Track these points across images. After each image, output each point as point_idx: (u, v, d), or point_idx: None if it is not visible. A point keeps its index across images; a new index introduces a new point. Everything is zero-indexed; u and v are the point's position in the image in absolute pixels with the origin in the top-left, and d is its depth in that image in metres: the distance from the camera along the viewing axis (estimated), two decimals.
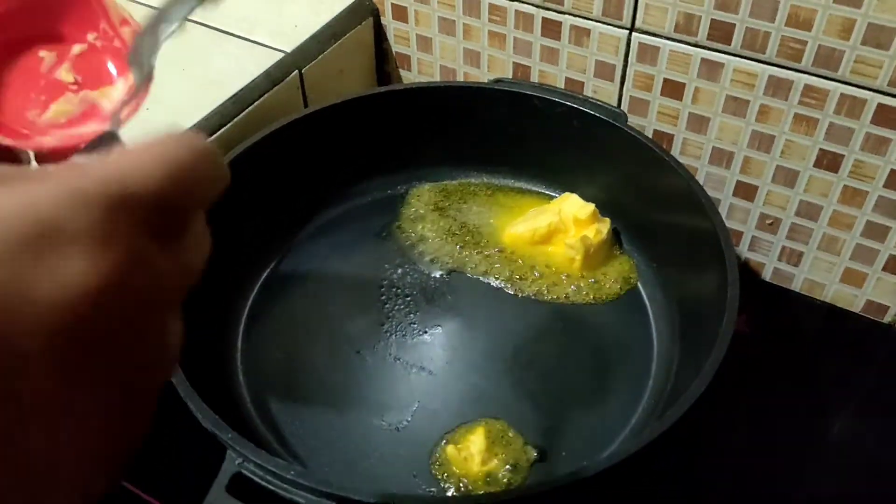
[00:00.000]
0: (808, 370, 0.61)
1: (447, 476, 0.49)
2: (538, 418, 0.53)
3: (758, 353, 0.62)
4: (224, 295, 0.59)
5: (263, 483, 0.41)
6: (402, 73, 0.76)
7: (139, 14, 0.41)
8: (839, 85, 0.55)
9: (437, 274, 0.62)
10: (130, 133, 0.27)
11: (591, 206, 0.61)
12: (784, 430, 0.58)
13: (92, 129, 0.42)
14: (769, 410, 0.59)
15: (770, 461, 0.56)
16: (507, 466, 0.49)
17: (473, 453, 0.49)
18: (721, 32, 0.57)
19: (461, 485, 0.48)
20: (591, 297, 0.60)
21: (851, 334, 0.65)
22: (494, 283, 0.61)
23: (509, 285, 0.61)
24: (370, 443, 0.51)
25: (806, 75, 0.56)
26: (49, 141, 0.41)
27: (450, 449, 0.50)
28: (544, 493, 0.39)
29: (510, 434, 0.51)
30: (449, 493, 0.48)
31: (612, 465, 0.41)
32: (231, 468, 0.41)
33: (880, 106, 0.54)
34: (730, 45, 0.57)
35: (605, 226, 0.61)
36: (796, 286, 0.67)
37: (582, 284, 0.60)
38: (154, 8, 0.37)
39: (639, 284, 0.61)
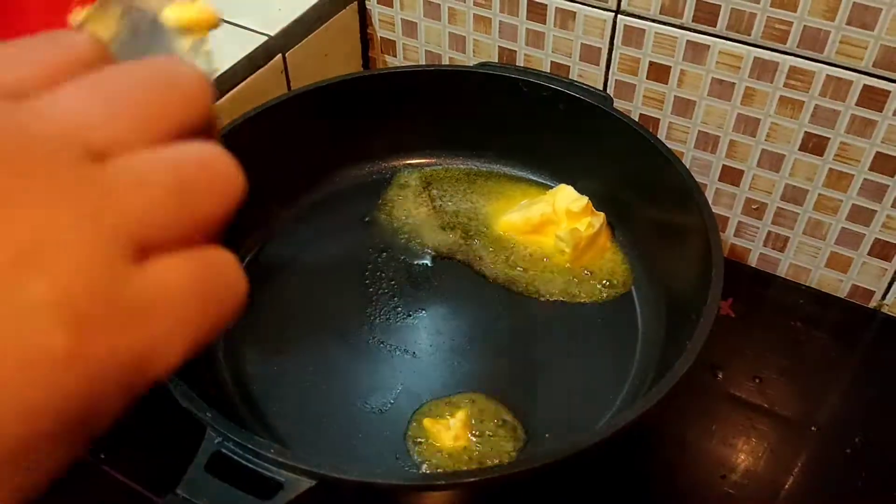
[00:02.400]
0: (793, 355, 0.61)
1: (428, 457, 0.49)
2: (522, 400, 0.52)
3: (743, 338, 0.62)
4: None
5: (243, 462, 0.40)
6: (388, 58, 0.76)
7: None
8: (825, 66, 0.55)
9: (423, 259, 0.62)
10: None
11: (584, 199, 0.61)
12: (769, 416, 0.57)
13: None
14: (755, 395, 0.59)
15: (756, 446, 0.56)
16: (491, 445, 0.49)
17: (451, 425, 0.48)
18: (707, 14, 0.57)
19: (441, 466, 0.48)
20: (579, 287, 0.59)
21: (837, 319, 0.64)
22: (480, 269, 0.61)
23: (496, 272, 0.60)
24: (352, 425, 0.51)
25: (791, 57, 0.56)
26: None
27: (427, 421, 0.49)
28: (528, 470, 0.39)
29: (493, 414, 0.51)
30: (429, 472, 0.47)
31: (592, 444, 0.40)
32: (210, 447, 0.41)
33: (866, 87, 0.54)
34: (715, 26, 0.57)
35: (598, 220, 0.61)
36: (782, 271, 0.67)
37: (570, 275, 0.60)
38: None
39: (628, 276, 0.60)
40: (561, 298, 0.58)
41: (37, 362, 0.15)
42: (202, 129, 0.20)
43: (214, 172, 0.20)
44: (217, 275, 0.19)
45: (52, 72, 0.19)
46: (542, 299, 0.59)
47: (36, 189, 0.16)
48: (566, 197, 0.61)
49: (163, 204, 0.18)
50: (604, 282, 0.59)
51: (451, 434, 0.49)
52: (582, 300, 0.58)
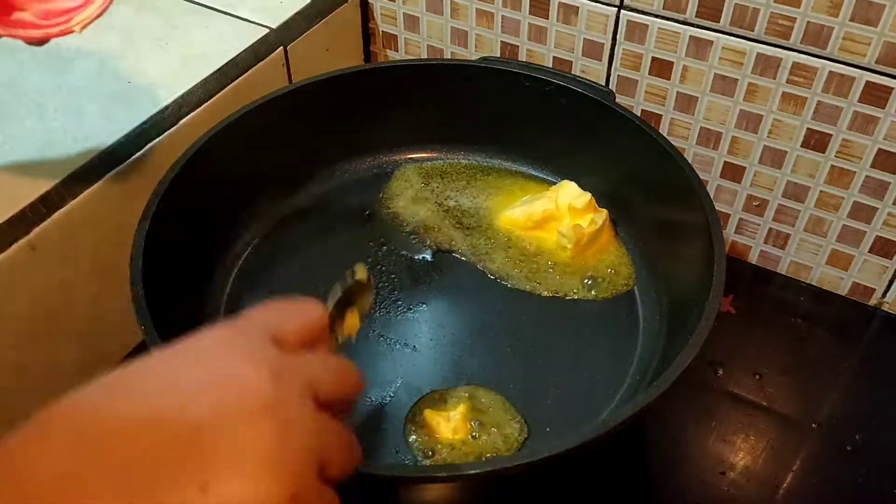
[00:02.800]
0: (794, 352, 0.61)
1: (428, 450, 0.48)
2: (523, 394, 0.52)
3: (744, 335, 0.62)
4: (206, 271, 0.58)
5: None
6: (389, 53, 0.76)
7: None
8: (827, 62, 0.55)
9: (424, 253, 0.62)
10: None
11: (587, 196, 0.60)
12: (769, 413, 0.57)
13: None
14: (755, 392, 0.58)
15: (755, 442, 0.55)
16: (492, 439, 0.49)
17: (451, 418, 0.48)
18: (710, 9, 0.57)
19: (441, 459, 0.48)
20: (581, 283, 0.59)
21: (837, 317, 0.64)
22: (482, 264, 0.60)
23: (497, 266, 0.60)
24: (353, 418, 0.50)
25: (794, 53, 0.55)
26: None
27: (427, 412, 0.49)
28: (529, 463, 0.39)
29: (494, 407, 0.51)
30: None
31: (593, 438, 0.40)
32: None
33: (868, 84, 0.54)
34: (718, 22, 0.57)
35: (600, 216, 0.60)
36: (782, 269, 0.67)
37: (572, 271, 0.60)
38: None
39: (630, 272, 0.60)
40: (562, 294, 0.58)
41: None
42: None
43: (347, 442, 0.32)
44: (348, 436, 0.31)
45: (305, 338, 0.32)
46: (543, 295, 0.58)
47: (292, 404, 0.28)
48: (569, 193, 0.61)
49: (344, 445, 0.31)
50: (606, 278, 0.59)
51: (450, 426, 0.49)
52: (583, 296, 0.58)
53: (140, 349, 0.60)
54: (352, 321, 0.41)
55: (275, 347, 0.30)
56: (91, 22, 0.44)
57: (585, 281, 0.59)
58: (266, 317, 0.32)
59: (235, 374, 0.27)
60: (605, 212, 0.61)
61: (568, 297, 0.58)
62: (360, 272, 0.41)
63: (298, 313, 0.33)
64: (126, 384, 0.27)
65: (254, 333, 0.30)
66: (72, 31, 0.45)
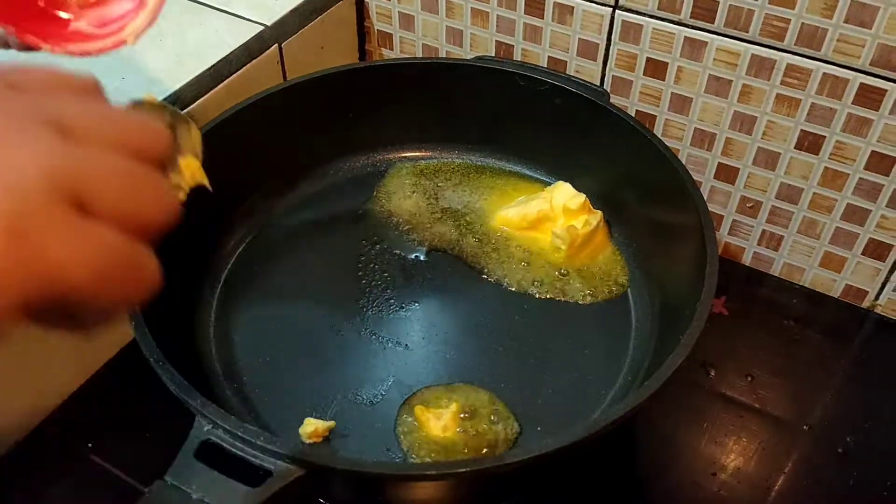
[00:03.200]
0: (786, 354, 0.61)
1: (419, 448, 0.48)
2: (515, 392, 0.52)
3: (736, 336, 0.62)
4: (198, 268, 0.58)
5: (233, 449, 0.40)
6: (384, 51, 0.75)
7: None
8: (821, 64, 0.55)
9: (417, 252, 0.61)
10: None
11: (581, 197, 0.60)
12: (761, 414, 0.57)
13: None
14: (747, 394, 0.58)
15: (747, 444, 0.55)
16: (483, 437, 0.49)
17: (442, 415, 0.48)
18: (705, 10, 0.57)
19: (432, 457, 0.48)
20: (574, 284, 0.59)
21: (830, 319, 0.64)
22: (475, 263, 0.60)
23: (491, 266, 0.60)
24: (344, 416, 0.50)
25: (788, 54, 0.56)
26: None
27: (418, 409, 0.49)
28: (519, 462, 0.39)
29: (486, 405, 0.51)
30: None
31: (584, 437, 0.40)
32: (200, 434, 0.40)
33: (862, 86, 0.54)
34: (713, 23, 0.57)
35: (595, 217, 0.60)
36: (776, 270, 0.67)
37: (566, 272, 0.60)
38: None
39: (624, 274, 0.60)
40: (555, 296, 0.58)
41: None
42: (154, 164, 0.25)
43: (155, 188, 0.25)
44: (131, 257, 0.23)
45: (52, 85, 0.25)
46: (536, 295, 0.58)
47: (11, 130, 0.22)
48: (564, 194, 0.61)
49: (111, 177, 0.23)
50: (599, 280, 0.59)
51: (441, 424, 0.49)
52: (577, 298, 0.58)
53: (134, 344, 0.60)
54: (188, 165, 0.35)
55: (8, 88, 0.24)
56: (144, 32, 0.43)
57: (578, 284, 0.59)
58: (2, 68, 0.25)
59: None
60: (599, 213, 0.61)
61: (560, 299, 0.58)
62: (147, 97, 0.36)
63: (53, 70, 0.26)
64: None
65: None
66: (124, 42, 0.43)
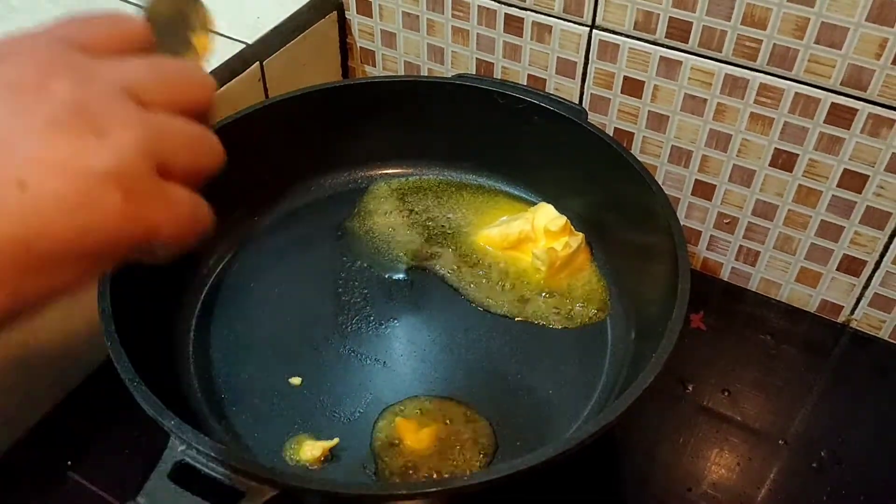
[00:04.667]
0: (763, 369, 0.62)
1: (396, 465, 0.49)
2: (492, 409, 0.52)
3: (714, 351, 0.63)
4: (177, 285, 0.58)
5: (206, 469, 0.40)
6: (367, 68, 0.76)
7: None
8: (794, 84, 0.56)
9: (397, 269, 0.62)
10: None
11: (563, 219, 0.61)
12: (739, 428, 0.58)
13: None
14: (724, 408, 0.59)
15: (725, 458, 0.56)
16: (461, 452, 0.49)
17: (420, 431, 0.49)
18: (679, 30, 0.57)
19: (409, 472, 0.48)
20: (554, 303, 0.59)
21: (807, 334, 0.65)
22: (455, 281, 0.61)
23: (470, 284, 0.60)
24: (322, 434, 0.51)
25: (761, 74, 0.56)
26: None
27: (399, 421, 0.50)
28: (495, 479, 0.39)
29: (464, 421, 0.51)
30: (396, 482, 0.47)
31: (558, 454, 0.41)
32: (173, 454, 0.40)
33: (833, 105, 0.55)
34: (687, 42, 0.58)
35: (575, 240, 0.61)
36: (753, 286, 0.68)
37: (546, 292, 0.60)
38: None
39: (604, 296, 0.60)
40: (533, 316, 0.58)
41: (96, 205, 0.24)
42: (201, 116, 0.29)
43: (210, 143, 0.29)
44: (196, 210, 0.28)
45: (118, 46, 0.28)
46: (515, 314, 0.59)
47: (103, 101, 0.25)
48: (545, 215, 0.62)
49: (180, 140, 0.28)
50: (578, 300, 0.59)
51: (418, 439, 0.49)
52: (555, 318, 0.58)
53: (109, 364, 0.60)
54: (199, 42, 0.37)
55: (81, 54, 0.27)
56: None
57: (557, 304, 0.59)
58: (69, 28, 0.28)
59: (31, 80, 0.25)
60: (581, 235, 0.61)
61: (538, 319, 0.58)
62: None
63: (109, 21, 0.29)
64: None
65: (55, 43, 0.27)
66: None
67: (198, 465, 0.40)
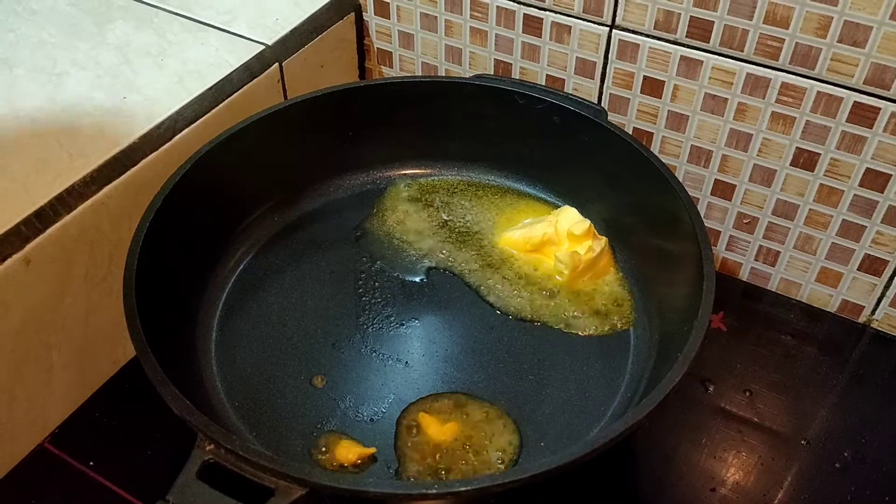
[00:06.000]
0: (783, 370, 0.61)
1: (419, 464, 0.49)
2: (515, 408, 0.52)
3: (734, 351, 0.62)
4: (199, 286, 0.58)
5: (235, 469, 0.40)
6: (384, 69, 0.76)
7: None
8: (816, 83, 0.55)
9: (416, 270, 0.62)
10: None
11: (587, 223, 0.61)
12: (760, 429, 0.58)
13: None
14: (745, 409, 0.59)
15: (746, 459, 0.56)
16: (484, 453, 0.49)
17: (443, 429, 0.49)
18: (700, 30, 0.57)
19: (433, 473, 0.48)
20: (576, 305, 0.59)
21: (827, 334, 0.65)
22: (475, 282, 0.61)
23: (491, 286, 0.60)
24: (344, 433, 0.51)
25: (783, 73, 0.56)
26: None
27: (421, 420, 0.50)
28: (523, 479, 0.39)
29: (487, 420, 0.51)
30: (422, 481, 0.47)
31: (587, 453, 0.40)
32: (202, 454, 0.40)
33: (856, 104, 0.55)
34: (708, 42, 0.58)
35: (599, 244, 0.60)
36: (773, 286, 0.68)
37: (568, 295, 0.60)
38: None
39: (626, 297, 0.59)
40: (555, 318, 0.58)
41: None
42: None
43: None
44: None
45: None
46: (537, 317, 0.58)
47: None
48: (569, 218, 0.61)
49: None
50: (600, 302, 0.59)
51: (443, 439, 0.49)
52: (577, 320, 0.58)
53: (134, 363, 0.60)
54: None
55: None
56: None
57: (579, 307, 0.59)
58: None
59: None
60: (604, 239, 0.61)
61: (560, 321, 0.58)
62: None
63: None
64: None
65: None
66: None
67: (226, 465, 0.40)
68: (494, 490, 0.39)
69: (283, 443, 0.50)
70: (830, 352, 0.63)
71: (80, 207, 0.54)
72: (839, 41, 0.53)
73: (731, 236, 0.67)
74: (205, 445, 0.41)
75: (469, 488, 0.38)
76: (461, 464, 0.49)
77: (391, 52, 0.74)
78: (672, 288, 0.55)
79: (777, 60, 0.56)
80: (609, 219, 0.63)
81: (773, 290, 0.68)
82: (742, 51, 0.57)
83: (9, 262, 0.50)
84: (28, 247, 0.51)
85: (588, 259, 0.59)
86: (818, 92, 0.56)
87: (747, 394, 0.60)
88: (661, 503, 0.54)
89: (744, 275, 0.68)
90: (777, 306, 0.67)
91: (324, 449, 0.49)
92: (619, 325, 0.58)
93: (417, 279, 0.61)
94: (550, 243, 0.61)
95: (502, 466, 0.49)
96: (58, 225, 0.52)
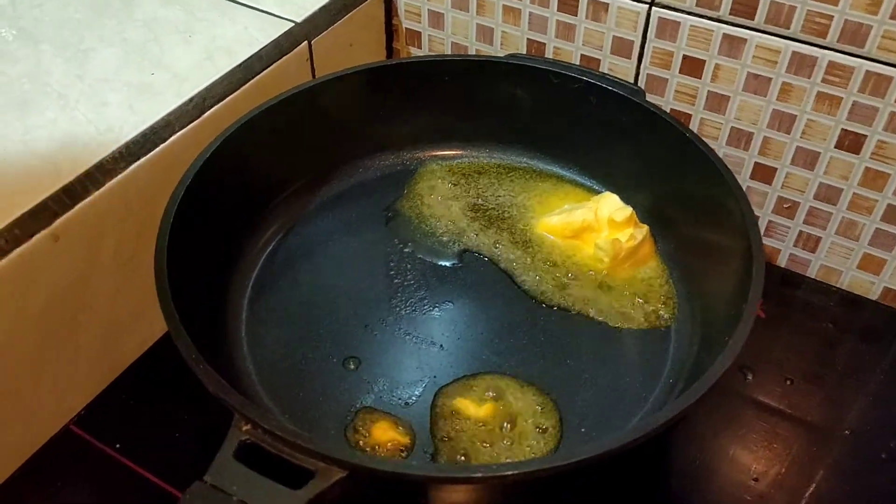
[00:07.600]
0: (824, 358, 0.60)
1: (456, 448, 0.47)
2: (554, 392, 0.51)
3: (773, 339, 0.61)
4: (229, 266, 0.57)
5: (273, 450, 0.39)
6: (412, 50, 0.75)
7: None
8: (864, 62, 0.54)
9: (448, 252, 0.60)
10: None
11: (628, 210, 0.59)
12: (800, 419, 0.56)
13: None
14: (785, 398, 0.57)
15: (785, 448, 0.54)
16: (524, 438, 0.48)
17: (482, 412, 0.48)
18: (744, 6, 0.56)
19: (470, 456, 0.47)
20: (615, 292, 0.57)
21: (868, 322, 0.63)
22: (510, 266, 0.59)
23: (526, 270, 0.59)
24: (382, 417, 0.49)
25: (830, 52, 0.54)
26: None
27: (457, 404, 0.49)
28: (569, 464, 0.38)
29: (526, 403, 0.50)
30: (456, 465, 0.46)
31: (634, 440, 0.39)
32: (238, 434, 0.39)
33: None
34: (753, 19, 0.56)
35: (640, 232, 0.59)
36: (812, 273, 0.66)
37: (607, 282, 0.58)
38: None
39: (667, 284, 0.58)
40: (594, 303, 0.57)
41: None
42: None
43: None
44: None
45: None
46: (576, 302, 0.57)
47: None
48: (610, 205, 0.60)
49: None
50: (641, 289, 0.58)
51: (480, 421, 0.48)
52: (617, 306, 0.57)
53: (161, 344, 0.59)
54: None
55: None
56: None
57: (619, 293, 0.57)
58: None
59: None
60: (645, 227, 0.60)
61: (598, 314, 0.56)
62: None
63: None
64: None
65: None
66: None
67: (264, 445, 0.39)
68: (541, 474, 0.38)
69: (317, 425, 0.49)
70: (871, 340, 0.62)
71: (109, 184, 0.52)
72: (892, 18, 0.51)
73: (769, 221, 0.65)
74: (241, 425, 0.40)
75: (517, 472, 0.37)
76: (500, 446, 0.47)
77: (420, 32, 0.73)
78: (716, 275, 0.54)
79: (825, 38, 0.54)
80: (649, 205, 0.61)
81: (812, 276, 0.66)
82: (788, 28, 0.55)
83: (36, 238, 0.49)
84: (56, 223, 0.50)
85: (629, 247, 0.58)
86: (867, 71, 0.54)
87: (788, 382, 0.58)
88: (696, 491, 0.53)
89: (782, 261, 0.67)
90: (817, 293, 0.65)
91: (362, 432, 0.48)
92: (660, 314, 0.56)
93: (449, 262, 0.60)
94: (590, 230, 0.59)
95: (543, 451, 0.48)
96: (87, 201, 0.51)
